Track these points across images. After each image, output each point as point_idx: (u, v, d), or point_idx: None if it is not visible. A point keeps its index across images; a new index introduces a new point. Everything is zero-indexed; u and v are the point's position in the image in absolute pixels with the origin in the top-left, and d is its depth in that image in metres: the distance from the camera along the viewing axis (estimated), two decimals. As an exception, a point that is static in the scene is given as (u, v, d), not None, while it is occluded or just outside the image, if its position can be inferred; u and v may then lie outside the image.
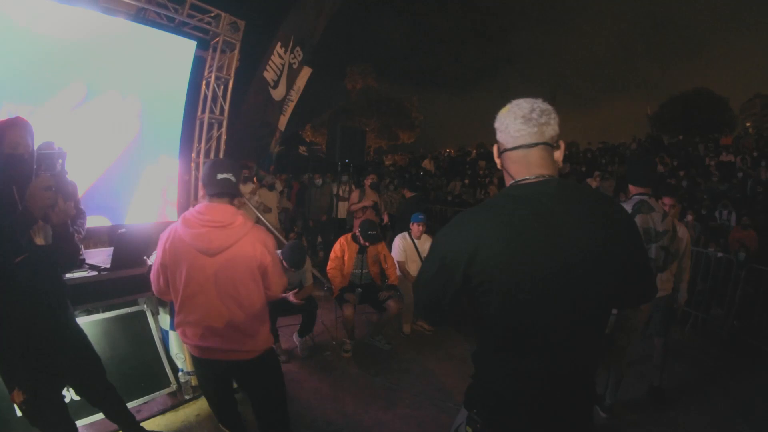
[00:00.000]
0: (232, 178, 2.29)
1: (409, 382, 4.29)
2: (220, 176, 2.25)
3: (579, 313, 1.32)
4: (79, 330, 2.68)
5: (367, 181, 7.12)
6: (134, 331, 3.61)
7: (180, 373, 3.78)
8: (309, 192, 8.93)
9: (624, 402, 4.06)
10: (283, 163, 10.58)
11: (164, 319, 3.78)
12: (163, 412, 3.47)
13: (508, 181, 1.48)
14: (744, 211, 8.98)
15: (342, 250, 4.98)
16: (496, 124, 1.47)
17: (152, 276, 2.36)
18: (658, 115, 31.05)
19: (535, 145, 1.39)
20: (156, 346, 3.80)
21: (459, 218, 1.43)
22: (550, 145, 1.41)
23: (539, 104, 1.41)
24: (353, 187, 8.02)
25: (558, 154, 1.43)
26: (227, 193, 2.29)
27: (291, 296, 4.37)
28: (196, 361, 2.42)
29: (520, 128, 1.39)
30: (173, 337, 3.78)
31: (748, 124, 22.33)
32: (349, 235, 5.07)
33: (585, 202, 1.37)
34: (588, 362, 1.42)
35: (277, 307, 4.48)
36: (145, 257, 3.71)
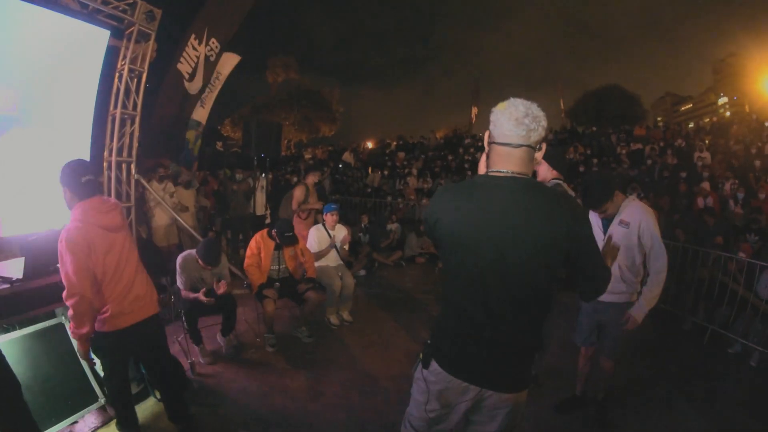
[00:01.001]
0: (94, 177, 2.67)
1: (335, 372, 4.40)
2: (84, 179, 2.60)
3: (506, 284, 1.69)
4: None
5: (311, 179, 6.86)
6: (54, 346, 3.40)
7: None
8: (228, 188, 8.75)
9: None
10: (200, 159, 10.20)
11: None
12: (95, 429, 3.30)
13: (483, 167, 1.87)
14: (650, 193, 9.94)
15: (258, 247, 4.97)
16: (492, 117, 1.73)
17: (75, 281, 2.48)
18: (573, 108, 32.41)
19: (520, 146, 1.67)
20: (78, 359, 3.54)
21: (436, 193, 1.86)
22: (533, 148, 1.70)
23: (533, 110, 1.66)
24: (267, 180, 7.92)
25: (539, 155, 1.73)
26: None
27: (200, 296, 4.28)
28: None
29: (511, 129, 1.66)
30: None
31: (659, 119, 23.80)
32: (264, 232, 5.06)
33: (537, 201, 1.66)
34: (514, 318, 1.74)
35: (196, 308, 4.35)
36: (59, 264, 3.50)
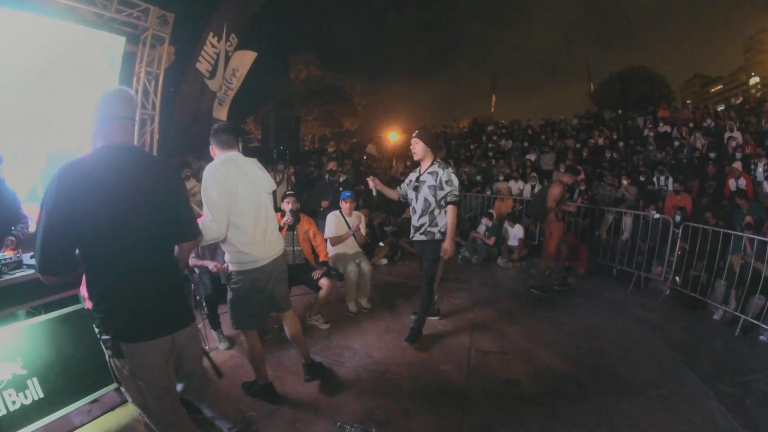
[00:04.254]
0: None
1: (348, 357, 4.47)
2: None
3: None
4: None
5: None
6: (77, 330, 3.50)
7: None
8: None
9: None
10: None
11: None
12: (112, 408, 3.47)
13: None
14: (679, 177, 9.66)
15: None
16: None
17: None
18: (598, 92, 31.77)
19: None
20: (99, 343, 3.68)
21: None
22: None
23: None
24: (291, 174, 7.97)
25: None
26: None
27: (210, 265, 4.49)
28: None
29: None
30: None
31: (688, 102, 23.23)
32: (278, 214, 5.03)
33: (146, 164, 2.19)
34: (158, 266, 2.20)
35: (216, 294, 4.41)
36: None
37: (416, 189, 4.60)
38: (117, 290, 2.06)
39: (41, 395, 3.12)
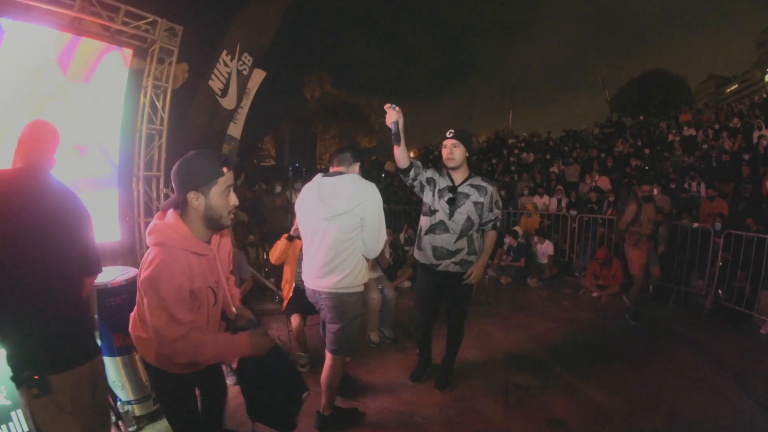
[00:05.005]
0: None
1: (370, 397, 4.00)
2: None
3: None
4: None
5: None
6: None
7: (119, 403, 3.46)
8: (267, 202, 8.59)
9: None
10: (237, 175, 10.08)
11: None
12: None
13: None
14: (712, 181, 9.10)
15: (282, 250, 4.61)
16: None
17: None
18: (617, 98, 31.38)
19: None
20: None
21: None
22: None
23: None
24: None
25: None
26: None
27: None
28: None
29: None
30: (109, 364, 3.45)
31: (705, 104, 22.87)
32: (286, 235, 4.65)
33: None
34: None
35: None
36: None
37: (452, 202, 3.58)
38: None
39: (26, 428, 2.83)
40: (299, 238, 4.34)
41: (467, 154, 3.61)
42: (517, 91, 34.00)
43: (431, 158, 19.26)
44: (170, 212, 2.02)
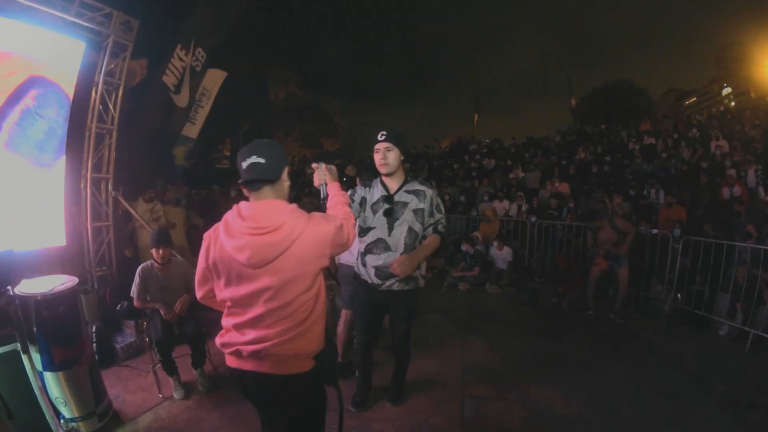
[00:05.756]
0: (262, 160, 1.94)
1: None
2: (245, 163, 1.95)
3: None
4: None
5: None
6: (9, 376, 3.01)
7: (63, 421, 3.30)
8: (220, 205, 8.36)
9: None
10: (191, 177, 9.79)
11: (36, 359, 3.22)
12: None
13: None
14: (672, 189, 9.32)
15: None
16: None
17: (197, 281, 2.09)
18: (580, 107, 31.96)
19: None
20: (35, 391, 3.15)
21: None
22: None
23: None
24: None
25: None
26: (259, 180, 1.95)
27: (160, 309, 4.03)
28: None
29: None
30: (51, 379, 3.30)
31: (665, 116, 23.57)
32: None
33: None
34: None
35: (168, 336, 3.94)
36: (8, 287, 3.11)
37: (389, 213, 3.23)
38: None
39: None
40: None
41: (402, 158, 3.24)
42: (482, 97, 34.17)
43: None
44: (267, 190, 1.97)
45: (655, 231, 7.05)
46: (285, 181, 2.05)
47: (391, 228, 3.23)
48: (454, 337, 5.51)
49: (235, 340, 1.96)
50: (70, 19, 4.97)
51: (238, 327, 1.96)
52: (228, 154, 27.76)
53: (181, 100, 8.07)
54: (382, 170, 3.23)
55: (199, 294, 2.10)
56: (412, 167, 16.54)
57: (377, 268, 3.27)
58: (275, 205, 1.94)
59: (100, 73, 5.55)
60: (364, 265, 3.35)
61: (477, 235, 8.74)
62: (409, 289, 3.32)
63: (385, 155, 3.17)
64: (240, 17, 9.29)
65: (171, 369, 4.01)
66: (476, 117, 30.92)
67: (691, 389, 4.13)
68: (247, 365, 1.96)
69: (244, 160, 1.95)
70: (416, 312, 3.57)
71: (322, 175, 2.60)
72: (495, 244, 8.51)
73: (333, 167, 2.67)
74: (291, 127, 31.68)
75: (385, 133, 3.16)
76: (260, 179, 1.95)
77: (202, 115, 9.06)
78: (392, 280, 3.24)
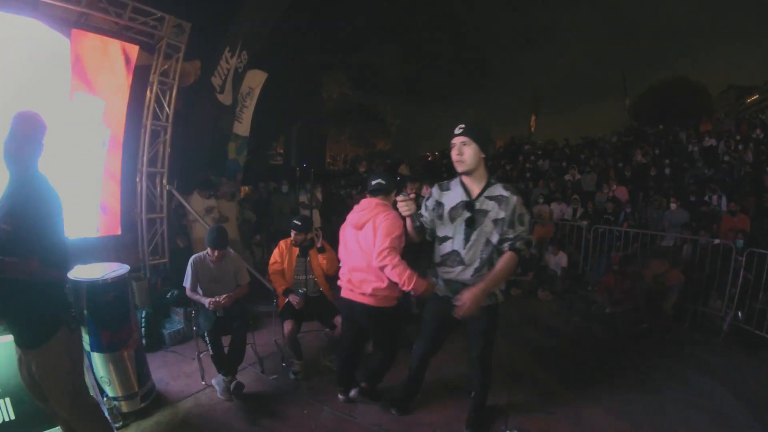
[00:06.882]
0: (383, 181, 3.48)
1: (361, 411, 3.76)
2: (374, 181, 3.50)
3: None
4: None
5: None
6: None
7: (106, 399, 3.42)
8: (272, 200, 8.51)
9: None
10: (244, 173, 9.95)
11: (84, 339, 3.36)
12: None
13: None
14: (734, 195, 8.74)
15: (281, 255, 4.48)
16: None
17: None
18: (637, 107, 30.97)
19: None
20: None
21: None
22: None
23: None
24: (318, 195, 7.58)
25: None
26: (378, 191, 3.47)
27: (207, 301, 4.01)
28: None
29: None
30: (98, 360, 3.46)
31: (723, 114, 22.43)
32: (289, 240, 4.51)
33: None
34: None
35: (218, 327, 4.02)
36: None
37: (471, 223, 2.86)
38: None
39: (12, 417, 2.94)
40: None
41: (482, 155, 2.86)
42: (540, 97, 33.41)
43: (445, 162, 18.95)
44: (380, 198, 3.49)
45: (716, 241, 6.57)
46: (392, 196, 3.43)
47: (467, 240, 2.87)
48: (499, 344, 5.35)
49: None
50: (124, 23, 5.19)
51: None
52: (281, 151, 28.16)
53: (225, 98, 8.33)
54: (458, 168, 2.88)
55: None
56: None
57: (448, 282, 3.00)
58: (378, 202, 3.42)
59: (154, 73, 5.76)
60: (436, 275, 3.08)
61: (531, 238, 8.44)
62: (487, 305, 2.95)
63: (461, 150, 2.82)
64: (287, 18, 9.45)
65: (223, 363, 3.94)
66: (533, 118, 30.41)
67: (749, 421, 3.78)
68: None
69: (374, 180, 3.50)
70: (495, 329, 3.25)
71: (412, 205, 2.95)
72: (549, 248, 8.24)
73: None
74: (343, 127, 31.97)
75: (462, 126, 2.83)
76: (379, 191, 3.45)
77: (247, 114, 9.34)
78: None
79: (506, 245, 2.84)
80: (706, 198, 9.28)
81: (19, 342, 2.40)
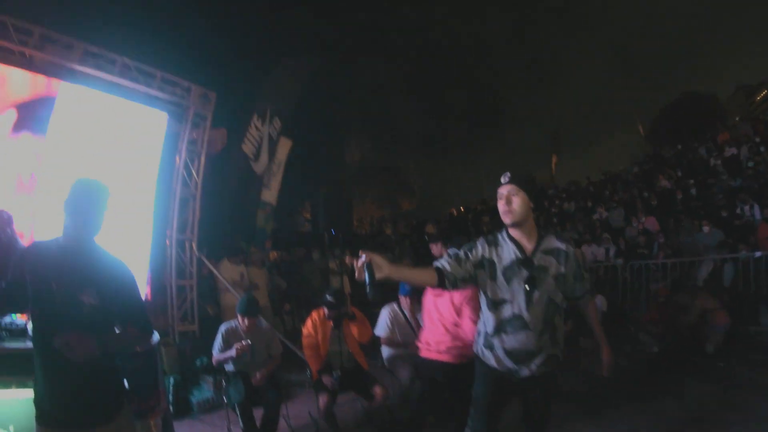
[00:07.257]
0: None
1: None
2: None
3: None
4: None
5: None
6: None
7: None
8: (302, 268, 8.53)
9: None
10: (274, 240, 10.05)
11: None
12: None
13: None
14: (766, 201, 8.49)
15: (315, 327, 4.30)
16: None
17: None
18: (652, 131, 30.91)
19: None
20: None
21: None
22: None
23: None
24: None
25: None
26: None
27: (233, 352, 3.89)
28: None
29: None
30: None
31: (737, 118, 22.08)
32: (321, 311, 4.34)
33: None
34: None
35: (250, 398, 3.89)
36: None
37: (532, 282, 2.47)
38: None
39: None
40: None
41: (531, 204, 2.58)
42: (559, 136, 33.28)
43: (471, 217, 18.90)
44: None
45: (757, 254, 6.28)
46: None
47: (529, 301, 2.48)
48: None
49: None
50: (153, 93, 5.49)
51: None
52: (308, 217, 28.56)
53: (259, 166, 8.49)
54: (507, 219, 2.54)
55: None
56: (492, 221, 15.65)
57: (510, 352, 2.52)
58: None
59: (183, 141, 5.99)
60: (491, 347, 2.59)
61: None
62: (549, 370, 2.57)
63: (510, 200, 2.51)
64: (311, 85, 9.74)
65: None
66: (554, 159, 30.41)
67: None
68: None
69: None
70: (556, 393, 2.84)
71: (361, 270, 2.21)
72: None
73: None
74: (368, 189, 32.32)
75: (508, 174, 2.54)
76: None
77: (275, 182, 9.50)
78: (531, 364, 2.49)
79: (586, 298, 2.71)
80: (738, 210, 8.93)
81: (81, 421, 1.95)
